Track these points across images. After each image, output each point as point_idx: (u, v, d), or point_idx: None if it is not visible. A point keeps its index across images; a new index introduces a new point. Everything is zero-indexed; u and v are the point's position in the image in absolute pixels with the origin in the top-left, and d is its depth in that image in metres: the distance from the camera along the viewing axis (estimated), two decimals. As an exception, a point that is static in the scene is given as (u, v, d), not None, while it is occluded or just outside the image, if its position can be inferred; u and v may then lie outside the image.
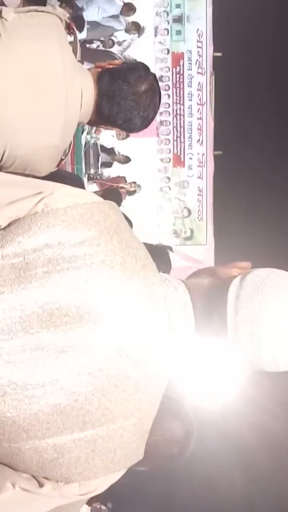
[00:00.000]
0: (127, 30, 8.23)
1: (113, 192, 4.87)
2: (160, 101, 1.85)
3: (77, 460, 1.00)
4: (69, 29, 1.81)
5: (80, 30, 6.50)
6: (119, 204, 4.89)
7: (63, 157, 1.79)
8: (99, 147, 8.22)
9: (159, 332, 1.04)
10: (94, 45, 7.96)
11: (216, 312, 1.05)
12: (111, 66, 1.83)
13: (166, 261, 2.07)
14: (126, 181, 8.54)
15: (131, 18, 8.19)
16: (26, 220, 1.00)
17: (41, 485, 1.02)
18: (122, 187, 8.33)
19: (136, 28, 8.38)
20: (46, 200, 1.02)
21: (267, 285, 1.03)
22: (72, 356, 0.97)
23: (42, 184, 1.12)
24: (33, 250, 0.97)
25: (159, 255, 2.08)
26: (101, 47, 8.13)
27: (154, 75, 1.86)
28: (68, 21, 1.79)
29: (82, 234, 1.00)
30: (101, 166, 8.37)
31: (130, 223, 2.15)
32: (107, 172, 8.64)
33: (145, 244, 2.13)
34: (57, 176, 1.88)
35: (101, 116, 1.79)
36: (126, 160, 8.71)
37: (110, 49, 8.21)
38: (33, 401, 0.96)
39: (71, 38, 1.83)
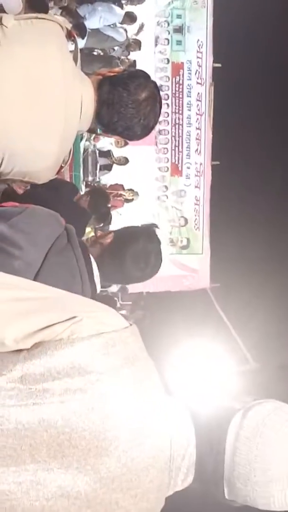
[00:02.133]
0: (128, 47, 8.25)
1: (99, 192, 4.87)
2: (160, 109, 1.83)
3: None
4: (70, 36, 1.80)
5: (83, 37, 6.52)
6: (106, 203, 4.86)
7: (62, 165, 1.78)
8: (97, 155, 8.23)
9: (162, 467, 1.06)
10: (95, 53, 7.98)
11: (215, 449, 1.08)
12: (111, 74, 1.82)
13: (154, 240, 2.05)
14: (124, 189, 8.55)
15: (131, 27, 8.22)
16: (51, 346, 1.00)
17: None
18: (121, 195, 8.33)
19: (137, 45, 8.41)
20: (74, 327, 1.03)
21: (267, 426, 1.06)
22: (75, 488, 0.99)
23: (73, 307, 1.11)
24: (52, 377, 0.98)
25: (147, 235, 2.05)
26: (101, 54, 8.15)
27: (155, 82, 1.85)
28: (69, 28, 1.79)
29: (102, 365, 1.02)
30: (100, 169, 8.38)
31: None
32: (105, 179, 8.65)
33: (125, 228, 2.11)
34: (51, 184, 1.88)
35: (101, 124, 1.78)
36: (126, 161, 8.72)
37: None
38: None
39: (72, 46, 1.83)
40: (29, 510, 0.97)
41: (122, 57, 8.26)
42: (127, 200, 8.50)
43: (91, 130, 1.87)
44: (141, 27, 8.48)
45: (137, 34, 8.52)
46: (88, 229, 4.50)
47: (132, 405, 1.04)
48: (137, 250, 1.94)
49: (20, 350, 1.00)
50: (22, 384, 0.97)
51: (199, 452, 1.09)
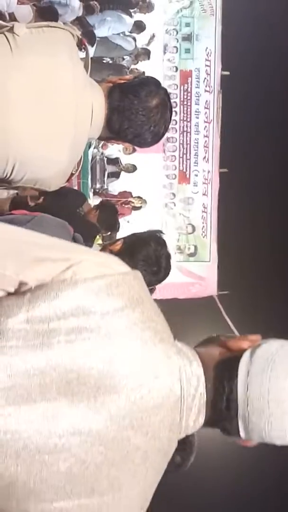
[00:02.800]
0: (136, 56, 8.29)
1: (109, 207, 4.91)
2: (171, 116, 1.84)
3: None
4: (80, 44, 1.81)
5: (92, 44, 6.56)
6: (115, 217, 4.90)
7: (73, 172, 1.79)
8: (105, 162, 8.25)
9: (172, 406, 1.06)
10: (104, 61, 8.01)
11: (227, 387, 1.08)
12: (122, 81, 1.83)
13: (163, 243, 2.05)
14: (132, 196, 8.55)
15: (141, 37, 8.25)
16: (54, 287, 1.01)
17: None
18: (130, 202, 8.34)
19: (146, 55, 8.44)
20: (75, 268, 1.04)
21: (276, 362, 1.06)
22: (87, 425, 1.00)
23: (70, 249, 1.14)
24: (58, 317, 0.99)
25: (156, 240, 2.05)
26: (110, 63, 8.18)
27: (165, 90, 1.85)
28: (80, 36, 1.80)
29: (107, 305, 1.02)
30: (108, 177, 8.39)
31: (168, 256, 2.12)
32: (112, 187, 8.66)
33: (134, 235, 2.11)
34: (59, 192, 1.88)
35: (112, 131, 1.79)
36: (133, 168, 8.74)
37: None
38: (45, 467, 0.98)
39: (83, 54, 1.83)
40: (42, 447, 0.97)
41: (132, 67, 8.29)
42: (135, 208, 8.51)
43: (101, 138, 1.87)
44: (152, 38, 8.52)
45: (148, 44, 8.55)
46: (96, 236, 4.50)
47: (139, 345, 1.04)
48: (148, 254, 1.96)
49: (24, 293, 1.01)
50: (28, 325, 0.98)
51: (210, 392, 1.09)
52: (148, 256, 1.95)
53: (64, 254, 1.07)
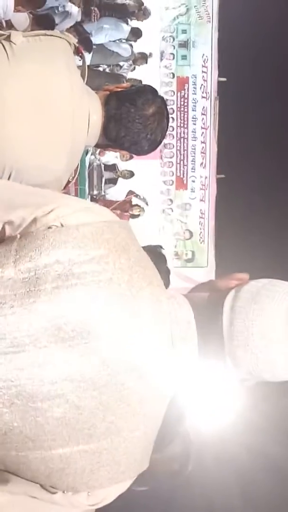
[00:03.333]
0: (134, 61, 8.32)
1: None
2: (168, 124, 1.84)
3: (83, 471, 1.02)
4: (78, 52, 1.82)
5: (89, 51, 6.57)
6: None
7: (70, 180, 1.79)
8: (102, 168, 8.26)
9: (164, 349, 1.06)
10: (100, 69, 8.04)
11: (214, 325, 1.06)
12: (118, 89, 1.83)
13: (162, 259, 2.05)
14: (131, 204, 8.56)
15: (136, 43, 8.28)
16: (39, 235, 1.01)
17: (51, 493, 1.04)
18: (136, 205, 8.34)
19: (143, 59, 8.47)
20: (58, 211, 1.03)
21: (262, 295, 1.05)
22: (79, 371, 0.99)
23: (53, 195, 1.15)
24: (44, 265, 0.98)
25: (154, 254, 2.07)
26: (107, 71, 8.20)
27: (162, 98, 1.86)
28: (77, 45, 1.81)
29: (92, 252, 1.01)
30: (105, 183, 8.40)
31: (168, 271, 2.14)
32: (110, 193, 8.67)
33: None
34: None
35: (109, 139, 1.79)
36: (131, 174, 8.76)
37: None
38: (39, 413, 0.98)
39: (80, 62, 1.84)
40: (35, 394, 0.97)
41: (129, 75, 8.31)
42: (133, 216, 8.52)
43: (98, 145, 1.88)
44: (149, 56, 8.57)
45: (146, 62, 8.59)
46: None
47: (126, 289, 1.03)
48: None
49: (11, 243, 1.01)
50: (15, 274, 0.98)
51: (200, 334, 1.08)
52: None
53: (46, 200, 1.07)
